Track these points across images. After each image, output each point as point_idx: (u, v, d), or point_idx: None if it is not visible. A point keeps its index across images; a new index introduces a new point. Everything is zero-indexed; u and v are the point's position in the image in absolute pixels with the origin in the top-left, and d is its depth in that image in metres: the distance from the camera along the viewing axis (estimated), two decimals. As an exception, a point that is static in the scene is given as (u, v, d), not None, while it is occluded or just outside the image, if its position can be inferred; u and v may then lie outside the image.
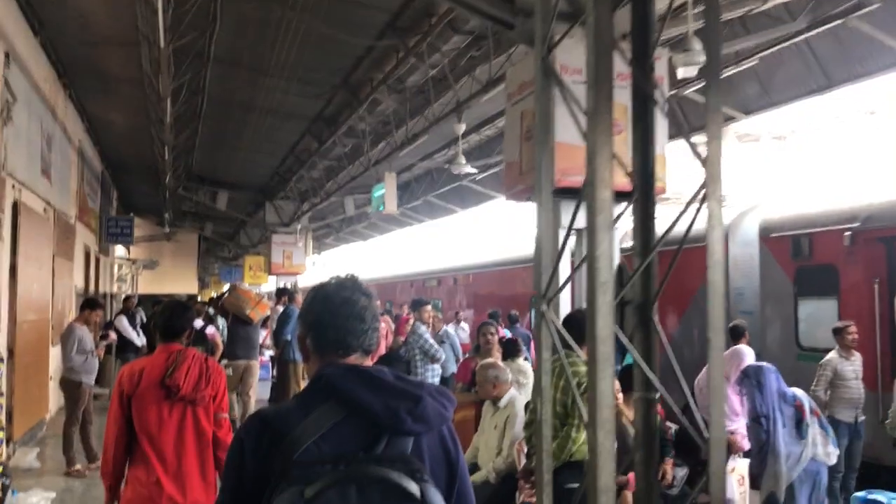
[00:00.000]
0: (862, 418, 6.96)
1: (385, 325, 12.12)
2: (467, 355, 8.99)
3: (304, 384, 6.89)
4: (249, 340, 10.33)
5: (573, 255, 5.43)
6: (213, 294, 32.54)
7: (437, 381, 8.34)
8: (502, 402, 5.30)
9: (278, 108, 12.34)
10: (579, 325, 3.44)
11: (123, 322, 12.96)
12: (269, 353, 19.04)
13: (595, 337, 2.58)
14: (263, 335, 20.11)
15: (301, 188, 18.39)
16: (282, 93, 11.60)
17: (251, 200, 21.95)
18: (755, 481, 5.17)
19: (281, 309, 13.32)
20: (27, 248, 9.38)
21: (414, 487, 1.52)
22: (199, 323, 11.43)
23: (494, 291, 17.28)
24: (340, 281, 1.83)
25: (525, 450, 4.97)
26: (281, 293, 13.94)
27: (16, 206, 8.83)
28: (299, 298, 13.44)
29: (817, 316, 8.48)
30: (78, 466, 8.23)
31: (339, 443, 1.59)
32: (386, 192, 10.64)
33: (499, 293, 16.69)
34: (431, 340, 8.21)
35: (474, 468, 5.34)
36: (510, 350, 6.51)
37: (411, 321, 10.08)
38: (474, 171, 9.82)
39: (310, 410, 1.62)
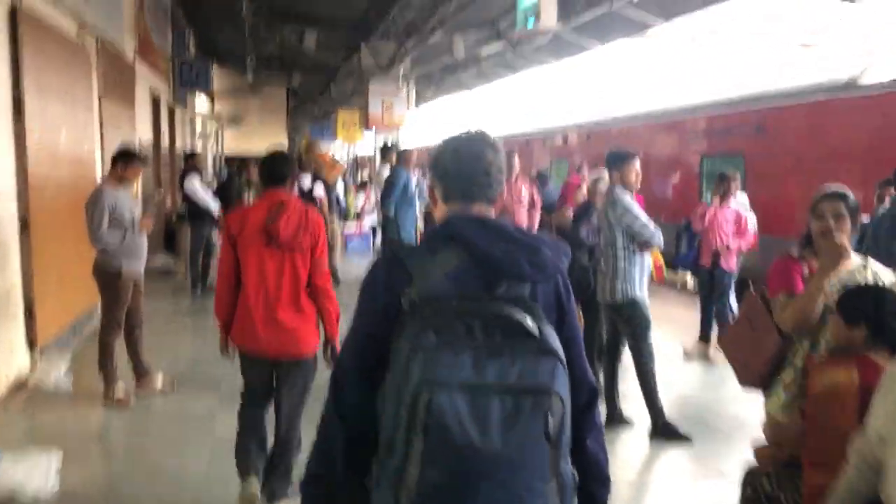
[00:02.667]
0: None
1: (528, 191, 9.08)
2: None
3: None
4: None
5: None
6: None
7: (644, 279, 5.31)
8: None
9: None
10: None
11: (195, 184, 10.34)
12: (369, 219, 16.49)
13: None
14: (362, 200, 17.66)
15: (406, 18, 15.03)
16: None
17: (343, 43, 18.72)
18: None
19: (387, 171, 10.48)
20: (45, 79, 6.64)
21: (532, 325, 1.59)
22: (307, 183, 9.41)
23: (650, 152, 13.88)
24: (470, 136, 1.89)
25: None
26: (387, 151, 10.99)
27: (14, 14, 6.02)
28: (413, 158, 10.52)
29: None
30: (119, 394, 5.72)
31: (462, 283, 1.67)
32: (542, -3, 7.27)
33: (659, 154, 13.28)
34: (644, 217, 5.11)
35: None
36: None
37: (585, 185, 7.04)
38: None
39: (436, 252, 1.72)
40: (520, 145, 20.60)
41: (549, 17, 7.29)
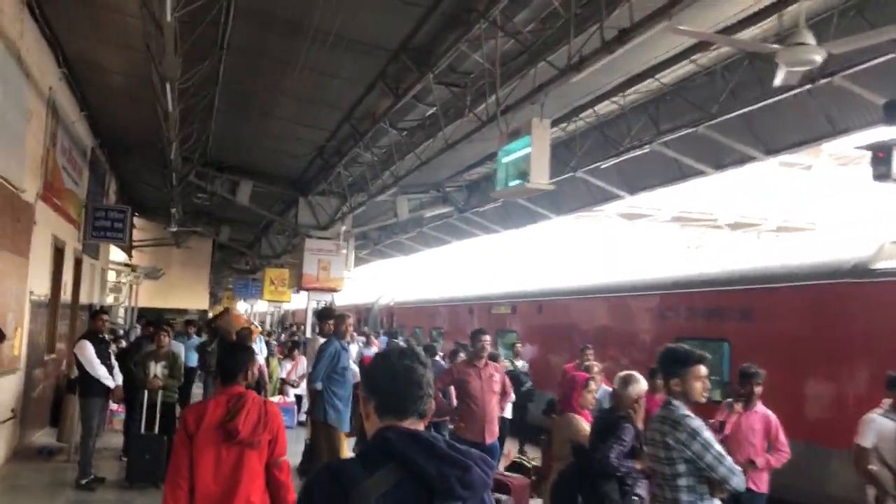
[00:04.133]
0: None
1: (500, 377, 7.57)
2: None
3: (342, 454, 7.01)
4: None
5: None
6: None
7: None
8: None
9: (342, 34, 7.95)
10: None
11: (87, 350, 8.48)
12: (294, 392, 14.58)
13: None
14: (289, 368, 15.76)
15: (350, 176, 13.94)
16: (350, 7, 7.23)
17: (280, 198, 17.55)
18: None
19: (321, 340, 8.81)
20: None
21: None
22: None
23: (608, 325, 12.68)
24: (402, 350, 2.07)
25: None
26: (324, 315, 9.33)
27: None
28: (350, 325, 8.83)
29: None
30: None
31: (397, 502, 1.80)
32: (533, 151, 6.02)
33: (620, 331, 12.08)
34: (719, 446, 3.60)
35: None
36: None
37: (596, 383, 5.56)
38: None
39: (373, 470, 1.84)
40: (458, 310, 19.27)
41: (541, 173, 6.08)
